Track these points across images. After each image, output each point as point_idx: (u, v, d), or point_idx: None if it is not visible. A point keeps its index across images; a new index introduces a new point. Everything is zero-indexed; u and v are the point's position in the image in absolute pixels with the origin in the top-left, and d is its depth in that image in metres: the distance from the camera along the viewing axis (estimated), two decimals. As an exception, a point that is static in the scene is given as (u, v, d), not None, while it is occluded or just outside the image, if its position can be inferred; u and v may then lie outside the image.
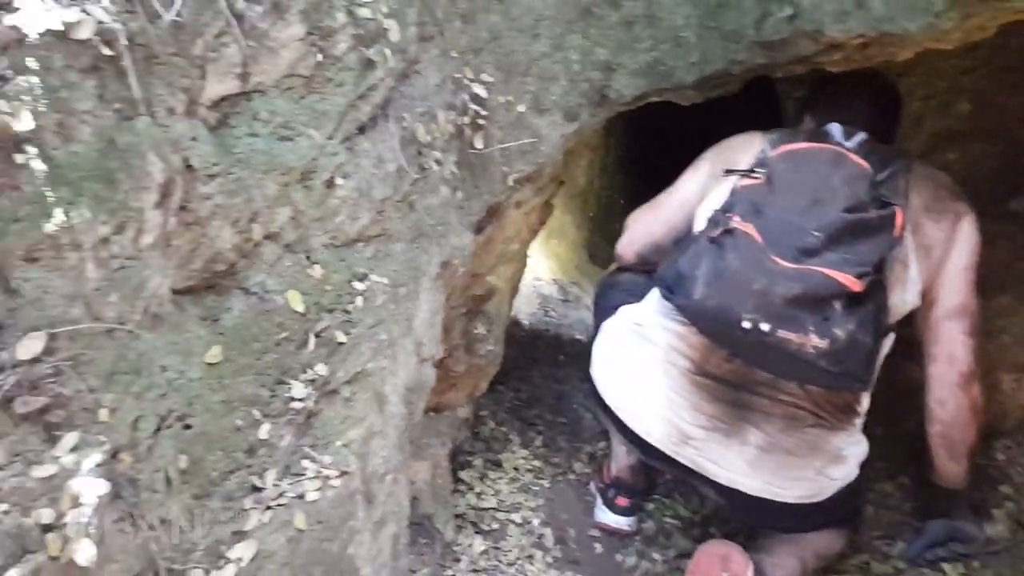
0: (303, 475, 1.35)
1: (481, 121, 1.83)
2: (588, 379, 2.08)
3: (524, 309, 3.76)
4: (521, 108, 1.88)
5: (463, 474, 2.35)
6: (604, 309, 2.07)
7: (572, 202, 4.64)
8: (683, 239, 1.88)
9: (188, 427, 1.24)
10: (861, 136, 1.79)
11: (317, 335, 1.42)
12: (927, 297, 1.75)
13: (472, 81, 1.80)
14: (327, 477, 1.36)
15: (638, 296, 1.97)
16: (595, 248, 5.00)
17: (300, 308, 1.40)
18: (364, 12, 1.42)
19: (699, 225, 1.84)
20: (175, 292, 1.27)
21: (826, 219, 1.54)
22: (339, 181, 1.43)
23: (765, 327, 1.48)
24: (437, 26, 1.72)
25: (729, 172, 1.77)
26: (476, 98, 1.80)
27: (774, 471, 1.71)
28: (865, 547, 2.10)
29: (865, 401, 1.79)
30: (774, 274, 1.49)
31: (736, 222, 1.57)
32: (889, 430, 2.31)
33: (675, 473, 1.94)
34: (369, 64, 1.41)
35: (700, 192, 1.92)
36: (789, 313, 1.47)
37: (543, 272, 4.23)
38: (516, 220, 2.13)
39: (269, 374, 1.37)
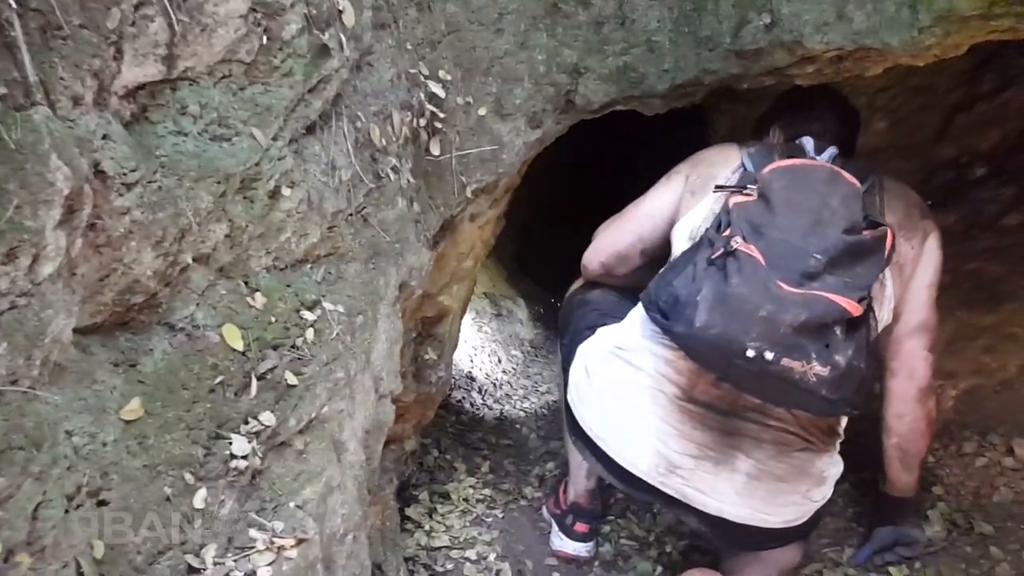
0: (251, 548, 1.11)
1: (438, 124, 1.63)
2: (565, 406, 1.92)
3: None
4: (481, 111, 1.69)
5: (410, 511, 2.14)
6: (577, 330, 1.90)
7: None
8: (670, 258, 1.74)
9: (103, 503, 0.98)
10: (832, 150, 1.74)
11: (261, 377, 1.18)
12: (894, 313, 1.73)
13: (428, 78, 1.59)
14: (281, 547, 1.12)
15: (615, 316, 1.82)
16: (523, 260, 4.85)
17: (239, 345, 1.16)
18: (315, -11, 1.19)
19: (681, 243, 1.72)
20: (79, 332, 1.01)
21: (827, 241, 1.46)
22: (285, 191, 1.19)
23: (769, 356, 1.39)
24: (391, 13, 1.50)
25: (719, 188, 1.66)
26: (433, 98, 1.60)
27: (763, 498, 1.64)
28: (816, 556, 2.08)
29: (845, 422, 1.75)
30: (780, 300, 1.39)
31: (739, 243, 1.45)
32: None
33: (656, 502, 1.82)
34: (323, 51, 1.18)
35: (672, 206, 1.81)
36: (794, 341, 1.39)
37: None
38: (470, 235, 1.93)
39: (203, 428, 1.12)
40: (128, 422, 1.03)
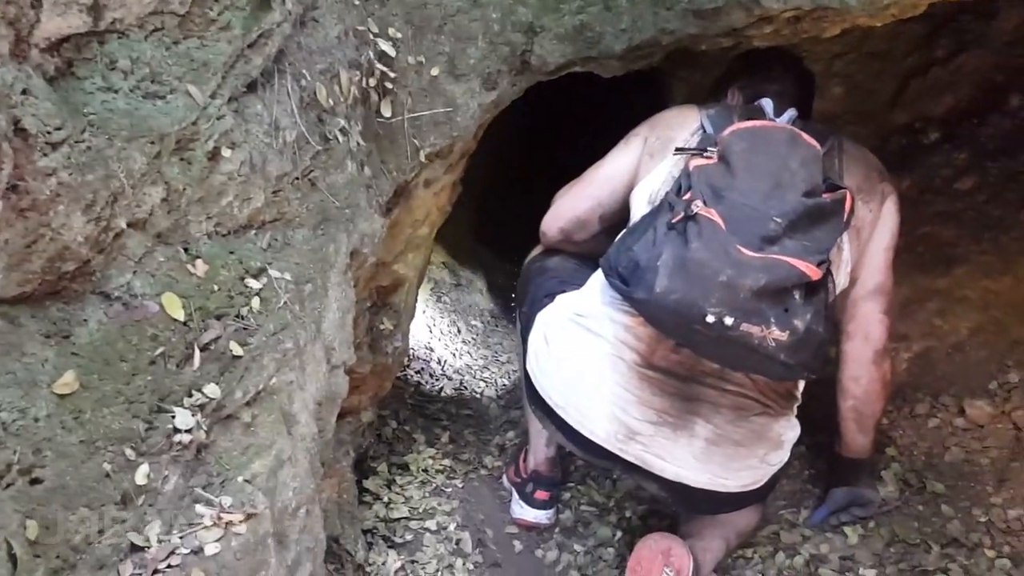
0: (198, 524, 1.07)
1: (389, 84, 1.57)
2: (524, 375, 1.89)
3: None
4: (434, 72, 1.64)
5: (368, 483, 2.10)
6: (536, 298, 1.87)
7: (458, 179, 4.39)
8: (629, 222, 1.73)
9: (37, 481, 0.93)
10: (791, 112, 1.70)
11: (204, 348, 1.13)
12: (851, 276, 1.74)
13: (378, 36, 1.53)
14: (229, 523, 1.08)
15: (574, 283, 1.79)
16: (482, 228, 4.80)
17: (180, 315, 1.11)
18: (252, -63, 1.12)
19: (640, 207, 1.70)
20: (6, 302, 0.95)
21: (787, 205, 1.44)
22: (225, 152, 1.13)
23: (729, 321, 1.38)
24: (336, -34, 1.43)
25: (680, 151, 1.62)
26: (383, 57, 1.54)
27: (721, 463, 1.65)
28: (773, 518, 2.10)
29: (802, 386, 1.76)
30: (740, 264, 1.38)
31: (699, 207, 1.42)
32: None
33: (615, 469, 1.81)
34: (263, 3, 1.12)
35: (631, 169, 1.78)
36: (753, 306, 1.38)
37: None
38: (425, 201, 1.88)
39: (143, 401, 1.07)
40: (62, 396, 0.98)
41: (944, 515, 1.95)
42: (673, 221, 1.44)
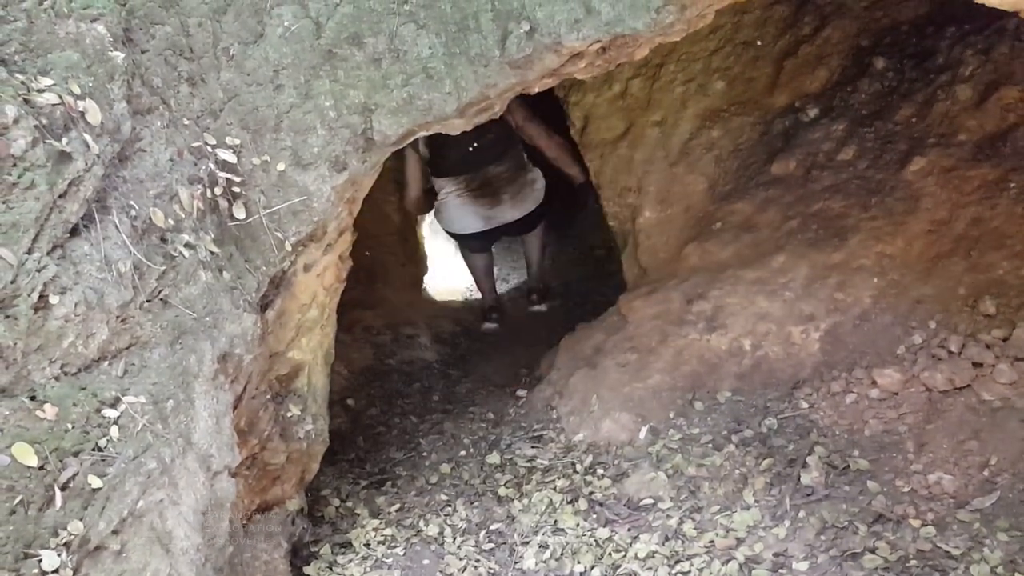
0: (77, 663, 1.10)
1: (237, 188, 1.64)
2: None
3: (357, 364, 3.54)
4: (281, 167, 1.71)
5: (309, 569, 2.09)
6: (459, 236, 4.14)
7: (393, 240, 4.46)
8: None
9: None
10: None
11: (64, 487, 1.17)
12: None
13: (216, 147, 1.61)
14: (110, 655, 1.12)
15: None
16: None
17: (32, 461, 1.15)
18: (47, 98, 1.20)
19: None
20: None
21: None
22: (53, 299, 1.19)
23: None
24: (157, 95, 1.51)
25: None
26: (225, 165, 1.61)
27: (520, 203, 3.86)
28: (707, 525, 2.08)
29: (525, 157, 3.96)
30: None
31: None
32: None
33: (488, 240, 4.10)
34: (63, 157, 1.19)
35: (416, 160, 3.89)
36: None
37: (373, 320, 4.01)
38: (309, 285, 1.94)
39: (7, 552, 1.11)
40: (-84, 569, 1.02)
41: (870, 491, 1.96)
42: None
